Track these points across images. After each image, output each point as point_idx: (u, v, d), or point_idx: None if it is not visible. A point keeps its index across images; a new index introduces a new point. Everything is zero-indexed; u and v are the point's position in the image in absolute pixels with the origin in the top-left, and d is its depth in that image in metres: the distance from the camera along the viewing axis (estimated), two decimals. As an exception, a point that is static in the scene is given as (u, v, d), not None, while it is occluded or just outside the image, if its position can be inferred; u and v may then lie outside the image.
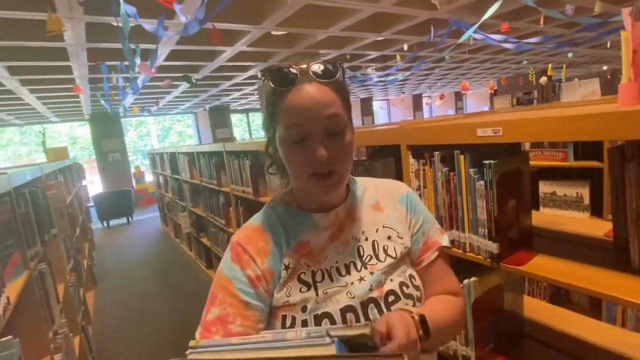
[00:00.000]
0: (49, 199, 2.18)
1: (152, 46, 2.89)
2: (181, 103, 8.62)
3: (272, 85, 0.61)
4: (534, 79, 7.93)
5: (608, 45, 6.31)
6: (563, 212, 2.32)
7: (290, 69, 0.60)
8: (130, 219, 7.66)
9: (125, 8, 1.84)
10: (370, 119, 12.65)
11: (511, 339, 1.12)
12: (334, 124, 0.61)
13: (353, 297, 0.62)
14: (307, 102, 0.59)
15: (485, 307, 1.03)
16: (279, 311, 0.62)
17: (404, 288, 0.65)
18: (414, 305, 0.65)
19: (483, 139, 0.88)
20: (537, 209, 2.44)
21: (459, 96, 14.89)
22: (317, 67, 0.61)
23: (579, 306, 2.08)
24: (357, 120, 12.25)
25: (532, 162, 2.42)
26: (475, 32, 3.33)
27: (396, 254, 0.68)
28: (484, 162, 0.90)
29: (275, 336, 0.45)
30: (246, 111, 11.63)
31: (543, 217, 1.34)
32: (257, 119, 11.78)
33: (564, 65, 7.87)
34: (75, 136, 13.86)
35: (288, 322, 0.61)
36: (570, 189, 2.27)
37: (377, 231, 0.70)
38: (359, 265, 0.66)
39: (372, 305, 0.62)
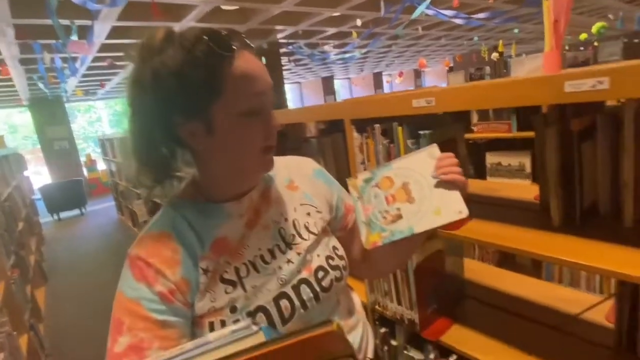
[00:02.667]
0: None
1: (90, 22, 2.67)
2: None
3: (216, 49, 0.51)
4: (486, 55, 8.20)
5: (552, 22, 6.59)
6: (508, 181, 2.45)
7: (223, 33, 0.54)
8: (83, 209, 7.25)
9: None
10: (332, 98, 12.61)
11: (452, 300, 1.18)
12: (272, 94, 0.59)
13: (283, 283, 0.60)
14: (259, 67, 0.56)
15: (427, 272, 1.08)
16: (204, 319, 0.56)
17: (330, 260, 0.66)
18: (341, 275, 0.66)
19: (418, 109, 0.90)
20: (485, 178, 2.57)
21: (417, 74, 15.15)
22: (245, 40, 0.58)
23: (523, 267, 2.25)
24: (320, 99, 12.17)
25: (479, 135, 2.53)
26: (427, 7, 3.36)
27: (317, 229, 0.68)
28: (420, 132, 0.92)
29: (197, 342, 0.39)
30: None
31: (486, 185, 1.41)
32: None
33: (514, 42, 8.18)
34: (15, 124, 12.73)
35: (217, 328, 0.55)
36: (513, 159, 2.41)
37: (295, 210, 0.68)
38: (283, 247, 0.64)
39: (303, 285, 0.61)
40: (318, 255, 0.66)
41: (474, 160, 2.66)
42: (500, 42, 6.94)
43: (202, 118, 0.54)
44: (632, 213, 0.81)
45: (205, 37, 0.52)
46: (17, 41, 3.25)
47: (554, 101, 0.66)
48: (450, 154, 0.64)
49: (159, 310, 0.53)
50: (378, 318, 1.27)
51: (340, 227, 0.77)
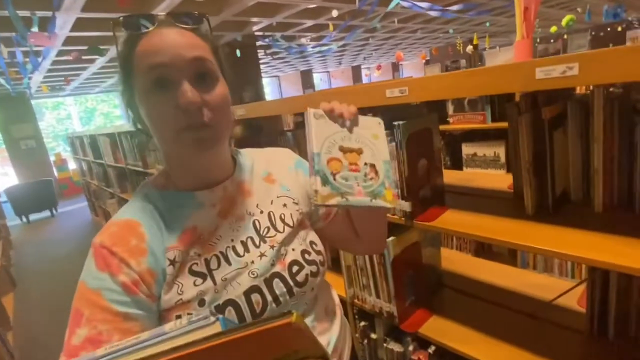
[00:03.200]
0: None
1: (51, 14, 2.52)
2: (102, 81, 7.81)
3: (125, 31, 0.53)
4: (461, 48, 8.32)
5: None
6: (484, 171, 2.49)
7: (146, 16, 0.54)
8: (54, 211, 6.96)
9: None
10: (311, 91, 12.53)
11: (430, 291, 1.19)
12: (203, 68, 0.54)
13: (255, 277, 0.58)
14: (167, 41, 0.52)
15: (404, 264, 1.07)
16: (172, 312, 0.54)
17: (306, 255, 0.64)
18: (317, 271, 0.64)
19: (392, 99, 0.88)
20: (461, 169, 2.61)
21: (395, 67, 15.25)
22: (177, 14, 0.56)
23: (500, 255, 2.30)
24: (299, 93, 12.07)
25: (455, 126, 2.55)
26: (402, -1, 3.36)
27: (293, 222, 0.66)
28: (394, 123, 0.90)
29: (152, 333, 0.39)
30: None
31: (462, 175, 1.42)
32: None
33: (487, 35, 8.33)
34: (-24, 123, 12.04)
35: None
36: (488, 149, 2.44)
37: (271, 203, 0.66)
38: (257, 240, 0.61)
39: (276, 280, 0.59)
40: (293, 249, 0.63)
41: (450, 151, 2.69)
42: (475, 35, 7.05)
43: (132, 102, 0.57)
44: (602, 199, 0.82)
45: (120, 20, 0.54)
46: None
47: (526, 89, 0.65)
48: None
49: (120, 301, 0.50)
50: (357, 312, 1.26)
51: (323, 216, 0.74)
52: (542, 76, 0.63)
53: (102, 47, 3.78)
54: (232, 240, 0.60)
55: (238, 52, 4.95)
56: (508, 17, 6.91)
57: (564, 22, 5.28)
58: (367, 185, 0.56)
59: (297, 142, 1.48)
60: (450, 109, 2.53)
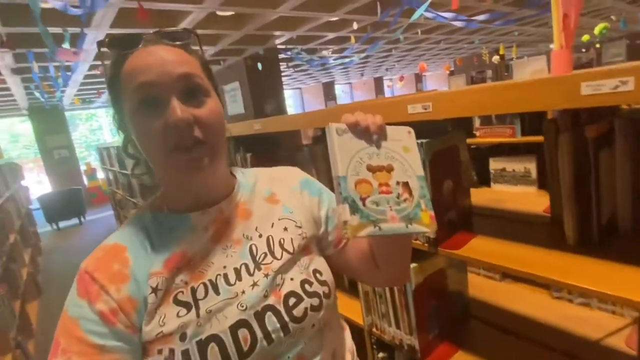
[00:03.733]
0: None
1: (83, 30, 2.61)
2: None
3: (112, 51, 0.52)
4: (487, 58, 8.12)
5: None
6: (512, 188, 2.35)
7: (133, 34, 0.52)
8: (82, 219, 7.18)
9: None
10: (333, 103, 12.55)
11: (456, 322, 1.09)
12: (191, 83, 0.51)
13: (245, 309, 0.51)
14: (153, 58, 0.50)
15: (428, 293, 0.98)
16: (154, 346, 0.49)
17: (307, 286, 0.56)
18: (320, 304, 0.56)
19: (414, 116, 0.81)
20: (489, 185, 2.47)
21: (418, 78, 15.08)
22: (164, 32, 0.54)
23: (529, 279, 2.14)
24: (321, 104, 12.12)
25: (482, 140, 2.44)
26: (426, 10, 3.28)
27: (294, 247, 0.59)
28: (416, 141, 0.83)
29: None
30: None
31: (491, 195, 1.32)
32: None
33: (514, 45, 8.11)
34: (17, 133, 12.75)
35: (166, 356, 0.48)
36: (518, 164, 2.30)
37: (272, 226, 0.60)
38: (251, 267, 0.55)
39: (269, 313, 0.52)
40: (292, 279, 0.56)
41: (477, 167, 2.56)
42: (501, 45, 6.87)
43: (123, 123, 0.56)
44: (658, 231, 0.71)
45: (107, 40, 0.52)
46: (6, 50, 3.20)
47: (570, 105, 0.57)
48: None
49: (97, 332, 0.47)
50: (376, 342, 1.17)
51: (334, 242, 0.67)
52: (589, 92, 0.55)
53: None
54: (225, 267, 0.54)
55: (259, 66, 5.00)
56: (536, 27, 6.69)
57: (597, 30, 5.05)
58: (401, 208, 0.49)
59: (314, 157, 1.42)
60: (476, 122, 2.42)
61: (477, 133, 2.43)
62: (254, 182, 0.64)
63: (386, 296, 1.04)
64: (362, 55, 6.01)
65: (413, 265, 0.94)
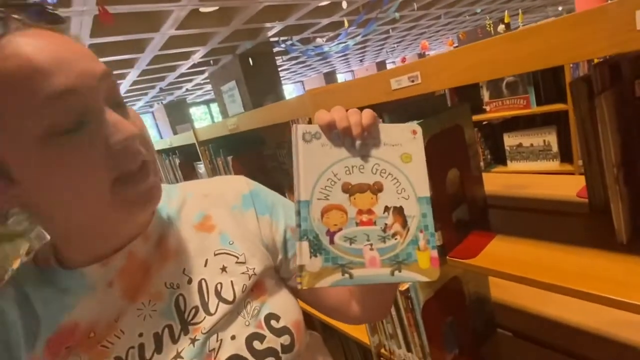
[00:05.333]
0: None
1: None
2: (130, 103, 8.06)
3: None
4: (491, 29, 7.73)
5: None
6: (532, 164, 2.13)
7: None
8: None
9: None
10: (336, 94, 12.32)
11: (480, 337, 0.90)
12: (114, 84, 0.35)
13: None
14: (58, 52, 0.32)
15: (440, 308, 0.80)
16: None
17: (256, 343, 0.41)
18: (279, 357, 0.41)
19: (400, 92, 0.63)
20: (505, 164, 2.25)
21: (422, 58, 14.70)
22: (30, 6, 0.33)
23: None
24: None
25: (493, 115, 2.21)
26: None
27: (234, 294, 0.43)
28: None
29: None
30: (207, 102, 11.08)
31: (508, 179, 1.11)
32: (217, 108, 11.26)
33: (520, 11, 7.68)
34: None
35: None
36: (536, 138, 2.08)
37: (206, 264, 0.44)
38: (177, 330, 0.40)
39: None
40: (233, 337, 0.41)
41: (490, 145, 2.34)
42: (506, 12, 6.49)
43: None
44: None
45: None
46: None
47: (621, 50, 0.38)
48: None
49: None
50: (386, 364, 1.00)
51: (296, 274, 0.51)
52: (652, 22, 0.35)
53: (118, 71, 3.79)
54: (141, 335, 0.39)
55: (250, 61, 4.83)
56: (542, -11, 6.30)
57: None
58: (387, 247, 0.35)
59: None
60: (485, 95, 2.20)
61: (487, 108, 2.21)
62: (180, 204, 0.47)
63: (391, 314, 0.86)
64: (357, 39, 5.76)
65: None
